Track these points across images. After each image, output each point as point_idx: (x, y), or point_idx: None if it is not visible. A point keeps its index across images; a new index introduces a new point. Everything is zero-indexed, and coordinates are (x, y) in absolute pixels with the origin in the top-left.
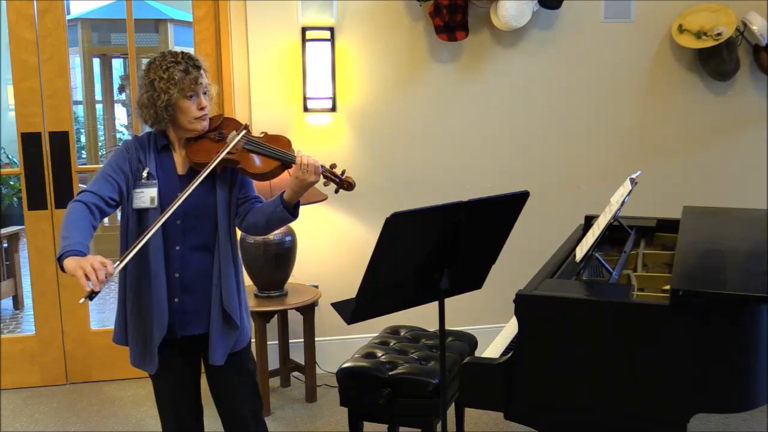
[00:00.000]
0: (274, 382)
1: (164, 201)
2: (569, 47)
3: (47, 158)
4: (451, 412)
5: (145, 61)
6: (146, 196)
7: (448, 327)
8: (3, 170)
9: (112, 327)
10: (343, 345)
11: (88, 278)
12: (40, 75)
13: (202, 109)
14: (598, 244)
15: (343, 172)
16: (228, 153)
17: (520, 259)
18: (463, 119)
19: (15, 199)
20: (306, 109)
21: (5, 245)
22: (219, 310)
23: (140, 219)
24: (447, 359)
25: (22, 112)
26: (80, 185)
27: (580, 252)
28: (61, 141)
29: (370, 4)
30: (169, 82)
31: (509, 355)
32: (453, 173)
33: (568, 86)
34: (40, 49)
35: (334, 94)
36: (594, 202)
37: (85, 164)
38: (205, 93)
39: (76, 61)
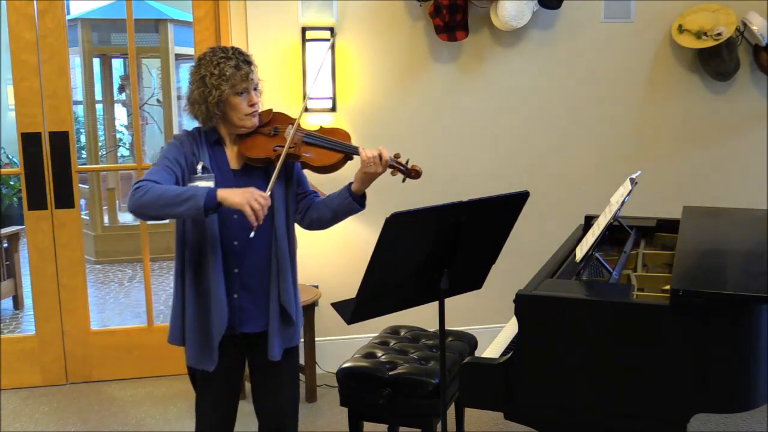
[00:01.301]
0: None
1: None
2: (569, 47)
3: (47, 158)
4: (451, 412)
5: (145, 61)
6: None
7: (448, 327)
8: (3, 170)
9: (112, 327)
10: (343, 345)
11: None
12: (40, 75)
13: (252, 105)
14: (598, 244)
15: (407, 161)
16: (288, 147)
17: (520, 259)
18: (462, 119)
19: (15, 199)
20: (306, 109)
21: (5, 245)
22: (277, 306)
23: None
24: (447, 359)
25: (22, 112)
26: (80, 185)
27: (580, 252)
28: (61, 141)
29: (370, 4)
30: (221, 78)
31: (509, 355)
32: (453, 173)
33: (568, 86)
34: (40, 49)
35: (334, 94)
36: (594, 202)
37: (85, 164)
38: (255, 89)
39: (76, 61)
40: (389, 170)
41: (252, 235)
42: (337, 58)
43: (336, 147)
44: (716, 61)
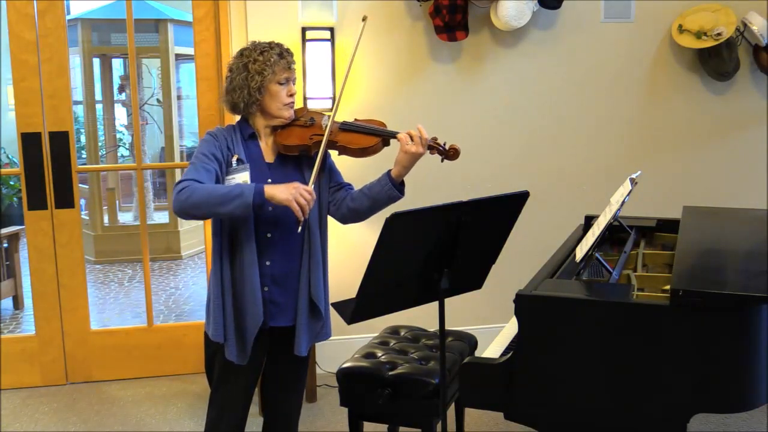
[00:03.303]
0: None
1: None
2: (569, 47)
3: (47, 158)
4: (451, 412)
5: (145, 61)
6: (238, 181)
7: (448, 327)
8: (3, 170)
9: (112, 327)
10: (343, 345)
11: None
12: (40, 75)
13: (291, 95)
14: (598, 244)
15: (445, 143)
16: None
17: (520, 259)
18: (463, 119)
19: (15, 199)
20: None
21: (5, 245)
22: (306, 300)
23: None
24: (447, 359)
25: (22, 112)
26: (80, 185)
27: (580, 252)
28: (61, 141)
29: (370, 4)
30: (265, 63)
31: (509, 355)
32: (453, 173)
33: (568, 86)
34: (40, 49)
35: (334, 93)
36: (594, 202)
37: (85, 164)
38: (293, 82)
39: (76, 61)
40: (428, 151)
41: (300, 229)
42: (337, 58)
43: (373, 131)
44: (716, 61)
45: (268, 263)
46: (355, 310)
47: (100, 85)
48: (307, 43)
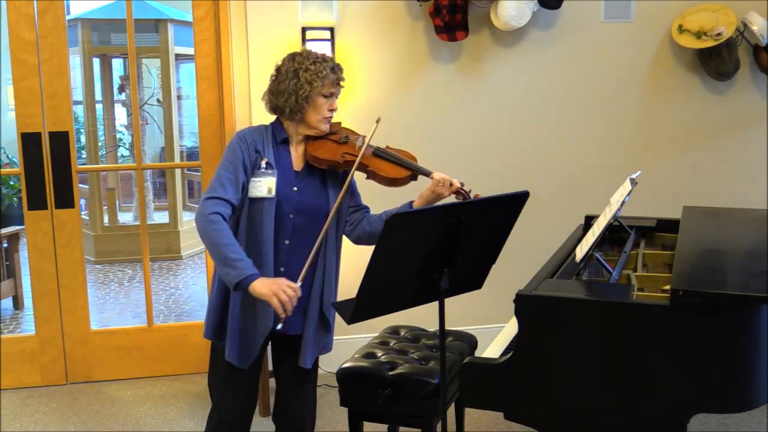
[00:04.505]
0: (274, 382)
1: (279, 193)
2: (569, 47)
3: (47, 158)
4: (451, 412)
5: (145, 61)
6: (264, 185)
7: (448, 327)
8: (3, 170)
9: (112, 327)
10: (343, 345)
11: (283, 306)
12: (40, 75)
13: (332, 110)
14: (598, 244)
15: (470, 191)
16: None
17: (520, 259)
18: (462, 119)
19: (15, 199)
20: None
21: (5, 245)
22: (317, 311)
23: (252, 208)
24: (447, 359)
25: (22, 112)
26: (80, 185)
27: (580, 252)
28: (61, 141)
29: (370, 4)
30: (316, 74)
31: (509, 355)
32: (453, 173)
33: (568, 86)
34: (40, 49)
35: None
36: (594, 202)
37: (85, 164)
38: (336, 97)
39: (76, 61)
40: (453, 196)
41: (279, 327)
42: (337, 58)
43: (405, 164)
44: (716, 61)
45: (282, 269)
46: (355, 310)
47: (100, 85)
48: (307, 43)
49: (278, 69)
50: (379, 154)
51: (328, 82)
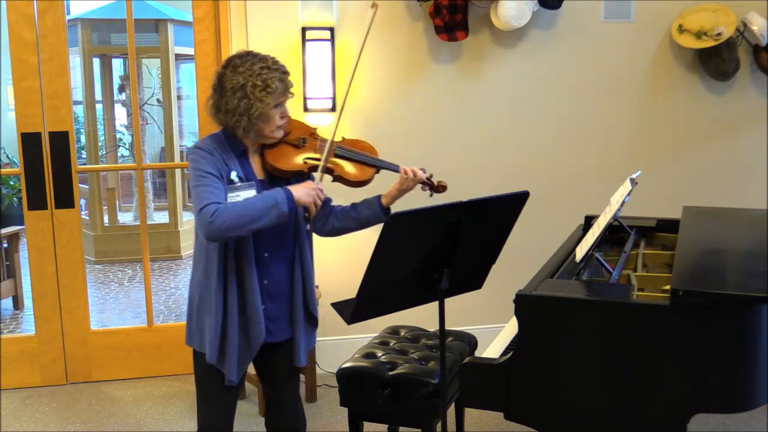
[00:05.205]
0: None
1: None
2: (569, 47)
3: (47, 158)
4: (451, 412)
5: (145, 61)
6: (242, 198)
7: (448, 327)
8: (3, 170)
9: (112, 327)
10: (343, 345)
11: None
12: (40, 75)
13: (284, 117)
14: (598, 244)
15: (431, 176)
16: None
17: (520, 259)
18: (462, 119)
19: (15, 199)
20: (306, 109)
21: (5, 245)
22: (303, 313)
23: None
24: (447, 359)
25: (22, 112)
26: (80, 185)
27: (580, 252)
28: (61, 141)
29: (370, 4)
30: (265, 90)
31: (509, 355)
32: (453, 173)
33: (569, 86)
34: (40, 49)
35: (334, 94)
36: (594, 202)
37: (85, 164)
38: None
39: (76, 61)
40: (419, 185)
41: (308, 227)
42: (337, 58)
43: (369, 162)
44: (716, 61)
45: (265, 281)
46: (355, 310)
47: (100, 85)
48: (307, 43)
49: (221, 83)
50: (342, 154)
51: (278, 93)
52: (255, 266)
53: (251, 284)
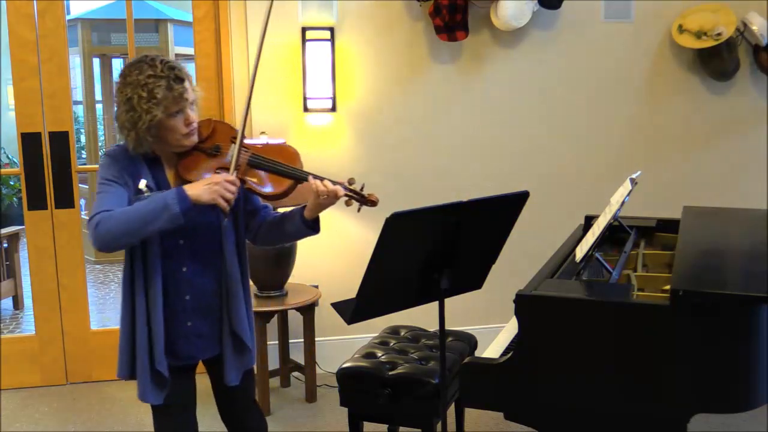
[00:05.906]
0: (274, 382)
1: None
2: (569, 47)
3: (47, 158)
4: (451, 412)
5: None
6: None
7: (448, 327)
8: (3, 170)
9: (112, 327)
10: (343, 345)
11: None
12: (40, 75)
13: (189, 124)
14: (598, 244)
15: (362, 188)
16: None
17: (520, 259)
18: (463, 119)
19: (15, 199)
20: (306, 109)
21: (5, 245)
22: (229, 331)
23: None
24: (447, 359)
25: (22, 112)
26: (80, 185)
27: (580, 252)
28: (61, 141)
29: (370, 4)
30: (151, 101)
31: (509, 355)
32: (453, 173)
33: (568, 86)
34: (40, 49)
35: (334, 94)
36: (594, 202)
37: (85, 164)
38: (192, 105)
39: (76, 61)
40: (344, 199)
41: (224, 220)
42: (337, 58)
43: (285, 171)
44: (716, 61)
45: (187, 297)
46: (355, 310)
47: (100, 85)
48: (307, 43)
49: (115, 96)
50: (255, 163)
51: (168, 103)
52: (161, 281)
53: (156, 299)
